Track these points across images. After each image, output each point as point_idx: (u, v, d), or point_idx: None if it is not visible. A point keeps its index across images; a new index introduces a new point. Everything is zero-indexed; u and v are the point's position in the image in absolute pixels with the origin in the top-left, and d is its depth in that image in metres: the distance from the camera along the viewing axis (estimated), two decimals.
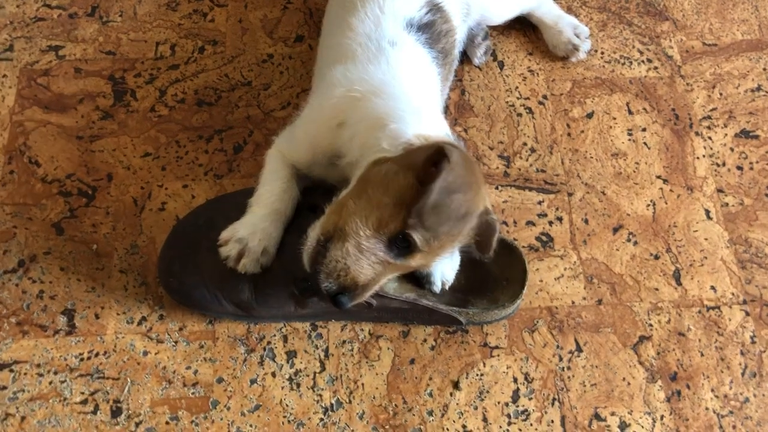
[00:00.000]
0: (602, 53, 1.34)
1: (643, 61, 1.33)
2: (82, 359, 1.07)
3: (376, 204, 0.87)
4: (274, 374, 1.06)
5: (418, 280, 1.07)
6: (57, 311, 1.10)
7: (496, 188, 1.21)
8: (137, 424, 1.03)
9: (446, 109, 1.28)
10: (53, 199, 1.19)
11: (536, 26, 1.35)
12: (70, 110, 1.26)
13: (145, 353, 1.07)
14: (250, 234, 0.99)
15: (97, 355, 1.07)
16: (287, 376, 1.06)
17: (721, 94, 1.31)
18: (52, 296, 1.11)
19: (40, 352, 1.07)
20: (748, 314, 1.12)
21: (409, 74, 1.03)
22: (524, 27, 1.36)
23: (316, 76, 1.18)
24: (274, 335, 1.09)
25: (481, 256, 0.98)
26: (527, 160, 1.24)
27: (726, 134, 1.27)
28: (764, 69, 1.33)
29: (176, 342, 1.08)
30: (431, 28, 1.10)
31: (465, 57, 1.31)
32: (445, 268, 1.05)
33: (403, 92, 0.99)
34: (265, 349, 1.08)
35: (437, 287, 1.05)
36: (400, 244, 0.87)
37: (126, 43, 1.33)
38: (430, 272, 1.04)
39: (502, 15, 1.30)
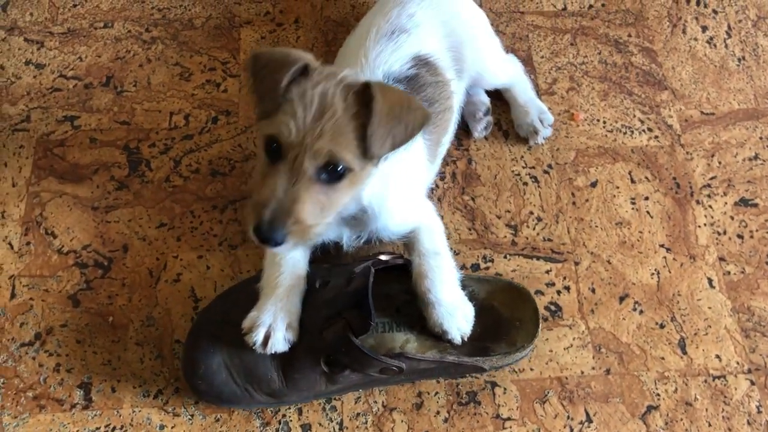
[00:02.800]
0: (604, 122, 1.38)
1: (644, 130, 1.38)
2: None
3: None
4: None
5: (436, 336, 1.09)
6: (74, 385, 1.11)
7: (505, 257, 1.24)
8: None
9: (453, 178, 1.31)
10: (69, 271, 1.20)
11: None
12: (85, 180, 1.29)
13: (162, 427, 1.08)
14: (271, 315, 1.01)
15: (114, 429, 1.08)
16: None
17: (720, 163, 1.35)
18: (68, 369, 1.12)
19: (57, 427, 1.08)
20: (753, 383, 1.15)
21: None
22: None
23: None
24: (289, 408, 1.10)
25: None
26: (534, 228, 1.27)
27: (726, 203, 1.31)
28: (761, 138, 1.38)
29: (192, 415, 1.09)
30: (414, 80, 1.14)
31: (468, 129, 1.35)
32: (460, 322, 1.08)
33: None
34: (280, 422, 1.09)
35: (457, 340, 1.08)
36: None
37: (140, 113, 1.36)
38: (447, 328, 1.07)
39: (495, 74, 1.33)
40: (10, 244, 1.22)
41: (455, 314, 1.07)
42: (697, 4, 1.54)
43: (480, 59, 1.28)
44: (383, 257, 1.11)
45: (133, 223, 1.25)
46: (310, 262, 1.12)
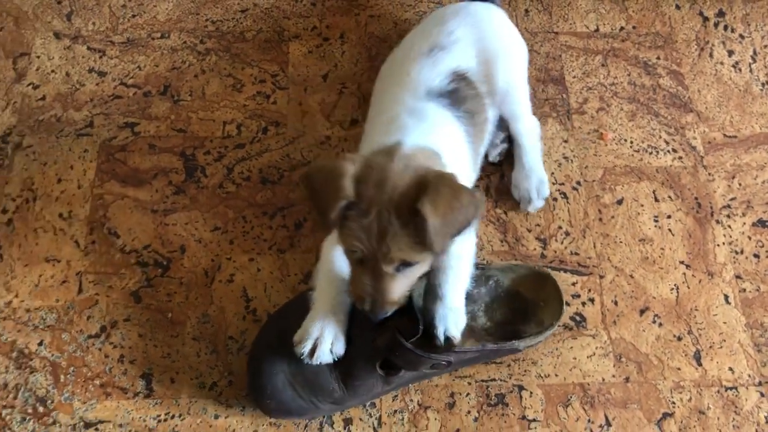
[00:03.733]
0: (631, 142, 1.46)
1: (668, 151, 1.45)
2: (159, 421, 1.18)
3: None
4: None
5: (473, 330, 1.20)
6: (136, 375, 1.22)
7: None
8: None
9: (487, 192, 1.40)
10: (131, 269, 1.31)
11: (514, 154, 1.41)
12: (145, 185, 1.39)
13: (216, 417, 1.19)
14: (318, 328, 1.10)
15: (173, 417, 1.19)
16: None
17: (740, 185, 1.42)
18: (131, 361, 1.23)
19: (122, 413, 1.19)
20: (763, 395, 1.23)
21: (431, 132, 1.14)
22: (560, 115, 1.48)
23: None
24: None
25: None
26: (562, 242, 1.36)
27: (744, 223, 1.39)
28: None
29: (244, 407, 1.20)
30: (454, 94, 1.22)
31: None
32: (450, 325, 1.13)
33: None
34: (324, 416, 1.19)
35: (440, 340, 1.12)
36: None
37: (196, 122, 1.46)
38: (437, 324, 1.13)
39: (518, 98, 1.36)
40: (76, 242, 1.33)
41: (449, 316, 1.13)
42: (725, 29, 1.61)
43: (510, 74, 1.32)
44: None
45: (189, 226, 1.35)
46: None
